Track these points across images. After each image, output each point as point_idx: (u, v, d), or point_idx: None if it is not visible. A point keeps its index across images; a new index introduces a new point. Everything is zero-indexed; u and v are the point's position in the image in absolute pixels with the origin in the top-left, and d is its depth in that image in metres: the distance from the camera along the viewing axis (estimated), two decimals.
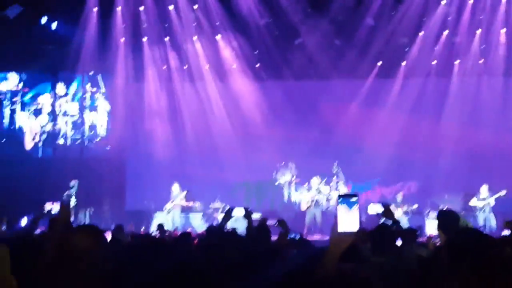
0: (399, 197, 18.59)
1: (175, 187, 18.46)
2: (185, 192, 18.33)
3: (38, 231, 5.90)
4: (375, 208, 3.89)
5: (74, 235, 2.71)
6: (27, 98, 20.72)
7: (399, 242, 5.41)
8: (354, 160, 19.95)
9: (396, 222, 4.51)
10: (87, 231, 2.80)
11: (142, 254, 4.74)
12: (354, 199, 3.08)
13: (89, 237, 2.71)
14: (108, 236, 8.64)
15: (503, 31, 18.77)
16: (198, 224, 18.16)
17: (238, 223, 6.73)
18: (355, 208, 3.06)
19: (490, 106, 19.63)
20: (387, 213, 4.25)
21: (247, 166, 20.56)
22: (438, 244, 7.10)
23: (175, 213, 18.10)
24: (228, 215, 6.45)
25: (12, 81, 20.62)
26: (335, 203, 14.75)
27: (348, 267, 3.03)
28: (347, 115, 20.43)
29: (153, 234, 12.49)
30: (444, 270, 3.03)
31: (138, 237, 9.36)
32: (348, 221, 3.05)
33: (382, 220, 5.24)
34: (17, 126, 20.57)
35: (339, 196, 3.12)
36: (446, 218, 5.82)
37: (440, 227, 5.77)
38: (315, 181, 18.38)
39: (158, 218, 17.79)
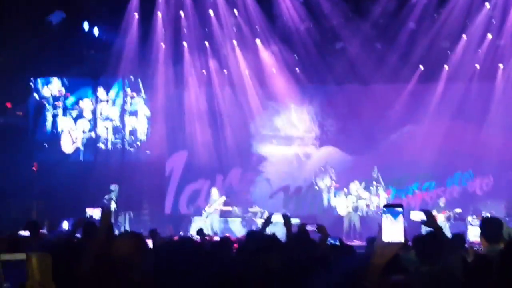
0: (441, 202, 18.32)
1: (214, 192, 18.48)
2: (223, 197, 18.33)
3: (78, 235, 5.93)
4: (418, 215, 3.81)
5: (115, 242, 2.69)
6: (69, 102, 20.98)
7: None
8: (394, 165, 19.77)
9: (440, 230, 4.40)
10: (128, 237, 2.78)
11: (183, 259, 4.70)
12: (399, 209, 3.03)
13: (130, 243, 2.68)
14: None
15: None
16: (237, 229, 18.15)
17: (277, 227, 6.66)
18: (400, 218, 3.00)
19: None
20: (430, 220, 4.15)
21: (287, 170, 20.56)
22: (480, 252, 6.93)
23: (213, 218, 18.11)
24: (267, 222, 6.38)
25: (55, 86, 20.90)
26: (378, 211, 14.59)
27: (400, 278, 2.95)
28: (388, 120, 20.21)
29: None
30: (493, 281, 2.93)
31: (178, 241, 9.33)
32: (393, 232, 2.99)
33: (424, 228, 5.13)
34: (59, 130, 20.83)
35: (384, 206, 3.07)
36: (490, 226, 5.72)
37: (483, 234, 5.65)
38: (354, 186, 18.22)
39: (197, 223, 17.82)
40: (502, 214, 17.51)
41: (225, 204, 18.37)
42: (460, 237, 7.68)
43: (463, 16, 18.36)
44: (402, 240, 2.99)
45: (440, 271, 4.26)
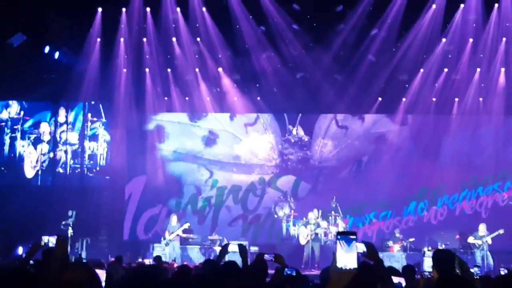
0: (397, 233, 18.51)
1: (173, 219, 18.38)
2: (187, 224, 18.21)
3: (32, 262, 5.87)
4: (359, 247, 3.85)
5: (67, 271, 2.71)
6: (27, 126, 20.76)
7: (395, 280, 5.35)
8: (352, 194, 19.99)
9: (379, 263, 4.35)
10: (80, 267, 2.80)
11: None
12: (352, 236, 3.10)
13: (82, 273, 2.71)
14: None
15: (503, 70, 18.89)
16: (196, 257, 18.05)
17: (236, 256, 6.70)
18: (354, 245, 3.08)
19: (488, 145, 19.79)
20: (371, 253, 4.14)
21: (246, 199, 20.63)
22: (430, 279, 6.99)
23: (174, 245, 17.98)
24: (224, 251, 6.41)
25: (14, 109, 20.69)
26: (334, 239, 14.68)
27: None
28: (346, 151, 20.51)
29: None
30: None
31: (136, 268, 9.29)
32: (347, 258, 3.07)
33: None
34: (17, 154, 20.58)
35: (338, 233, 3.15)
36: (442, 258, 5.75)
37: (435, 266, 5.70)
38: (313, 215, 18.32)
39: (157, 249, 17.69)
40: (457, 245, 17.82)
41: (185, 231, 18.25)
42: (410, 268, 7.76)
43: (421, 50, 18.75)
44: (356, 266, 3.06)
45: None
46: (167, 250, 17.70)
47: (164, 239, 17.94)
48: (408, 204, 20.49)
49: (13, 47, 17.71)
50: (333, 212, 19.02)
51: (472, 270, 6.92)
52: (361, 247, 3.85)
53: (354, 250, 3.07)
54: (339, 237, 3.12)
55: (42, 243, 5.24)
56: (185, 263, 14.59)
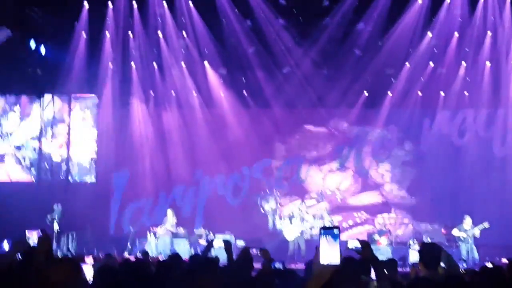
0: (384, 227, 18.60)
1: (169, 213, 18.33)
2: (174, 218, 18.19)
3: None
4: (354, 243, 3.89)
5: (51, 267, 2.70)
6: (13, 120, 20.67)
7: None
8: None
9: (374, 260, 4.40)
10: (64, 263, 2.79)
11: (129, 281, 4.73)
12: (336, 231, 3.10)
13: (67, 269, 2.70)
14: (90, 261, 8.57)
15: (488, 64, 18.98)
16: (182, 250, 18.01)
17: (222, 250, 6.72)
18: (337, 240, 3.08)
19: (473, 138, 19.88)
20: (365, 250, 4.18)
21: (232, 192, 20.65)
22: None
23: (165, 239, 17.97)
24: (209, 246, 6.42)
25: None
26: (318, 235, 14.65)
27: None
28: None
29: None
30: None
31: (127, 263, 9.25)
32: (330, 253, 3.06)
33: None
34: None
35: (321, 228, 3.14)
36: (428, 252, 5.77)
37: (421, 260, 5.72)
38: (299, 208, 18.35)
39: (151, 243, 17.73)
40: (442, 239, 17.91)
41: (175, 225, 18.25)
42: (393, 263, 7.79)
43: (407, 44, 18.78)
44: (338, 262, 3.06)
45: None
46: (157, 243, 17.70)
47: (154, 233, 17.92)
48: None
49: None
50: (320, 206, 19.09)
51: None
52: (355, 244, 3.87)
53: (337, 245, 3.06)
54: (322, 231, 3.11)
55: (27, 237, 5.22)
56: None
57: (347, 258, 4.61)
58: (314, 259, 3.12)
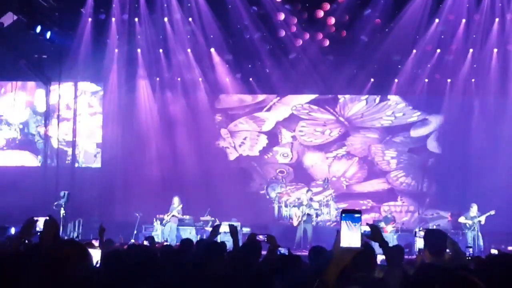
0: (389, 214, 18.58)
1: (176, 200, 18.37)
2: (180, 205, 18.26)
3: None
4: (363, 228, 3.87)
5: (58, 249, 2.70)
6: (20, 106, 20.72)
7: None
8: None
9: (385, 244, 4.39)
10: (72, 245, 2.79)
11: (135, 267, 4.73)
12: (357, 215, 3.05)
13: (74, 250, 2.70)
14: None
15: (495, 51, 18.86)
16: (189, 237, 18.02)
17: (228, 236, 6.72)
18: (358, 224, 3.03)
19: (480, 125, 19.79)
20: (375, 235, 4.17)
21: (238, 179, 20.63)
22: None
23: (172, 226, 18.03)
24: (215, 231, 6.41)
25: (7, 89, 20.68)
26: (327, 222, 14.70)
27: None
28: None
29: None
30: None
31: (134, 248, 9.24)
32: (351, 237, 3.02)
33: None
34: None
35: (343, 211, 3.08)
36: (433, 238, 5.74)
37: (426, 247, 5.70)
38: (305, 196, 18.35)
39: (157, 230, 17.80)
40: (449, 226, 17.91)
41: (181, 212, 18.31)
42: (400, 249, 7.76)
43: (414, 30, 18.66)
44: (359, 245, 3.02)
45: (374, 283, 4.28)
46: (164, 229, 17.77)
47: (160, 219, 17.98)
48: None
49: (3, 27, 17.53)
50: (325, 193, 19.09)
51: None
52: (364, 228, 3.84)
53: (358, 229, 3.02)
54: (343, 215, 3.06)
55: (35, 221, 5.22)
56: (177, 243, 14.60)
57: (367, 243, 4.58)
58: (334, 243, 3.07)
